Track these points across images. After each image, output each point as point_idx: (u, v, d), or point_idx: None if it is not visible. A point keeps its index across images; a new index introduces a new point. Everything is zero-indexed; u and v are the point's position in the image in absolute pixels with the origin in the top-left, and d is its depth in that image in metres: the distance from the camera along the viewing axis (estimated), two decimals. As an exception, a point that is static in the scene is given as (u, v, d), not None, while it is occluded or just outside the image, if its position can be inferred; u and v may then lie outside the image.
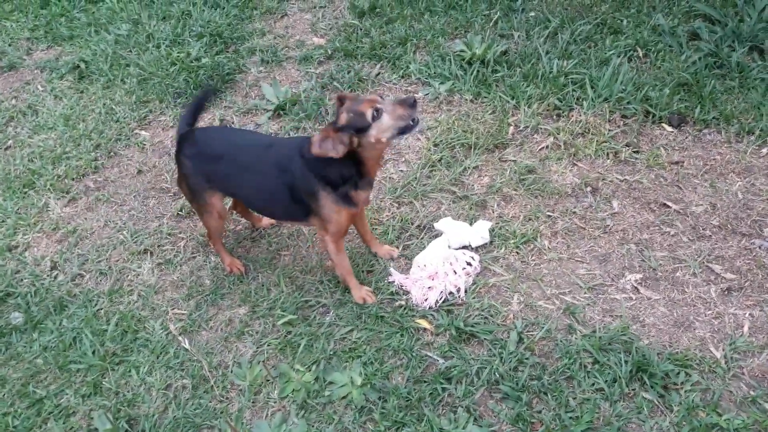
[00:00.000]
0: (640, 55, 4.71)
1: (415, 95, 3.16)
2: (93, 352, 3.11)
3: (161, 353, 3.09)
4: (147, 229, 3.75)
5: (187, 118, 3.18)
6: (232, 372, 2.99)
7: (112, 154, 4.34)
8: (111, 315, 3.28)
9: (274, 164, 2.93)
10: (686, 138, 4.05)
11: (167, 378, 3.01)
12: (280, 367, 2.95)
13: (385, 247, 3.45)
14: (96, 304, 3.35)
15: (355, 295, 3.21)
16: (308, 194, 2.88)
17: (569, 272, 3.31)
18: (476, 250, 3.42)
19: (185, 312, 3.27)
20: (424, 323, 3.08)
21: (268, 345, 3.07)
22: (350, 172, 2.80)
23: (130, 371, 3.04)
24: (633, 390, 2.78)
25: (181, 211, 3.83)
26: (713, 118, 4.11)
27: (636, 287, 3.22)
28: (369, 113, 2.63)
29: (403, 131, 2.69)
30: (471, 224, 3.51)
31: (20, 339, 3.24)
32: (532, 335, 3.02)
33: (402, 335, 3.04)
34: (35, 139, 4.51)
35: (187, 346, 3.09)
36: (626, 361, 2.84)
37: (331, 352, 3.01)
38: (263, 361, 3.01)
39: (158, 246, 3.63)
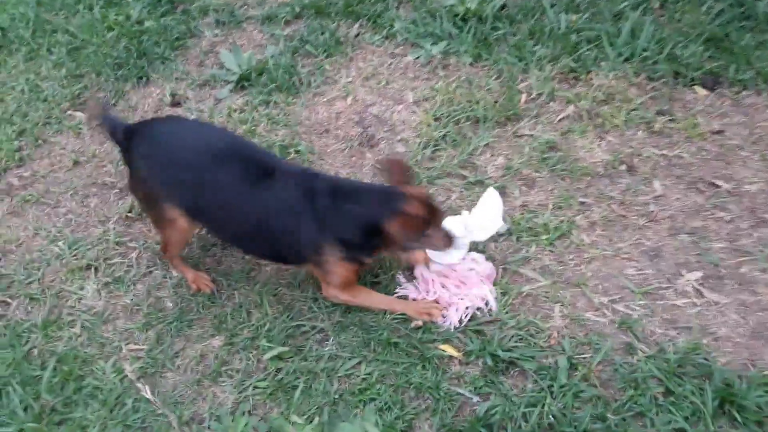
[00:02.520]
0: (656, 6, 4.10)
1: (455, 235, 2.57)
2: (25, 409, 2.39)
3: (116, 406, 2.39)
4: (89, 237, 3.00)
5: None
6: (209, 428, 2.32)
7: (40, 142, 3.54)
8: (47, 356, 2.55)
9: (277, 197, 2.36)
10: (724, 102, 3.48)
11: (125, 440, 2.33)
12: (272, 420, 2.29)
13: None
14: (26, 342, 2.61)
15: (412, 316, 2.58)
16: (311, 245, 2.40)
17: (617, 273, 2.73)
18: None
19: (143, 347, 2.57)
20: (449, 349, 2.47)
21: (254, 388, 2.41)
22: (370, 245, 2.42)
23: (75, 433, 2.35)
24: (720, 428, 2.22)
25: (130, 212, 3.09)
26: (750, 77, 3.54)
27: (698, 289, 2.66)
28: (441, 244, 2.44)
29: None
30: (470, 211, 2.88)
31: (-72, 392, 2.50)
32: (584, 359, 2.44)
33: (424, 367, 2.42)
34: (-58, 125, 3.67)
35: (148, 395, 2.40)
36: (707, 390, 2.28)
37: (337, 395, 2.37)
38: (249, 411, 2.35)
39: (104, 259, 2.89)
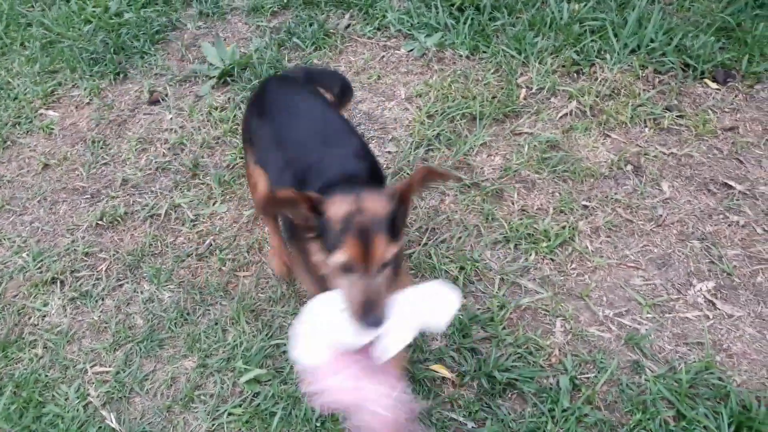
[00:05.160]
0: (662, -7, 3.88)
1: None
2: (-21, 439, 2.21)
3: (78, 436, 2.20)
4: (56, 248, 2.80)
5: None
6: (179, 460, 2.13)
7: (8, 143, 3.34)
8: (5, 380, 2.36)
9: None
10: (736, 96, 3.26)
11: (88, 473, 2.14)
12: (248, 451, 2.10)
13: None
14: (-16, 364, 2.42)
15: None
16: None
17: (622, 283, 2.53)
18: None
19: (110, 369, 2.36)
20: (442, 370, 2.26)
21: (229, 415, 2.21)
22: None
23: (33, 465, 2.16)
24: (738, 457, 2.03)
25: (101, 219, 2.89)
26: (765, 70, 3.32)
27: (710, 300, 2.45)
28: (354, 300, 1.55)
29: None
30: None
31: None
32: (588, 379, 2.23)
33: (415, 390, 2.22)
34: None
35: (113, 423, 2.20)
36: (722, 414, 2.08)
37: (318, 423, 2.17)
38: (223, 441, 2.16)
39: (71, 272, 2.69)
